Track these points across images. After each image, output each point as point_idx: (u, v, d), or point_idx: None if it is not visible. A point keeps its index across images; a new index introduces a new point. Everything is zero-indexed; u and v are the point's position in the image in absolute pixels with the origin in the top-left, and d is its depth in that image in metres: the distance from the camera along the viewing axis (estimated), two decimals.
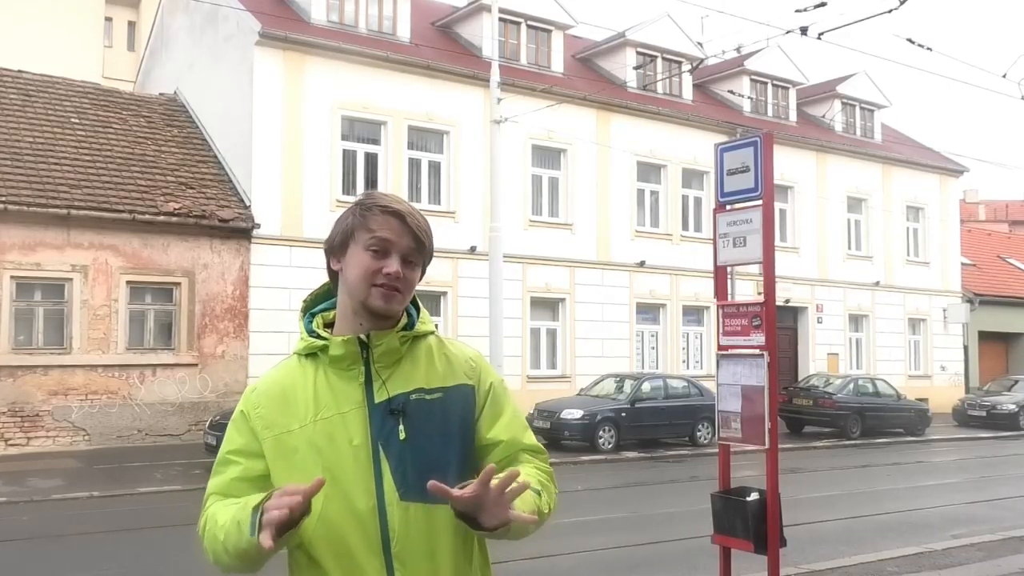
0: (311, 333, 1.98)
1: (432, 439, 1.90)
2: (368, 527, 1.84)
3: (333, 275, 2.00)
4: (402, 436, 1.88)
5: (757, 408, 5.20)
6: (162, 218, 16.46)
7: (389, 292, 1.90)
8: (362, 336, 1.92)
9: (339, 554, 1.84)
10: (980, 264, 33.04)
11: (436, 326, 2.09)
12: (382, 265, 1.90)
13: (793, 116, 27.20)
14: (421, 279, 2.01)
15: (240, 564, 1.85)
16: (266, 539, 1.66)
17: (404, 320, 1.99)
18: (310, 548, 1.85)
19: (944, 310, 29.34)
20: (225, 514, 1.85)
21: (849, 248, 27.37)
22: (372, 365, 1.92)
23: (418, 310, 2.04)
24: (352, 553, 1.84)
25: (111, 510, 10.72)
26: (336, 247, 1.97)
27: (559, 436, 16.95)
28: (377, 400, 1.91)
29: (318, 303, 2.06)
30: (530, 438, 2.06)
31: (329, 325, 2.00)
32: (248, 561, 1.83)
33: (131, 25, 36.09)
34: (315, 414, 1.90)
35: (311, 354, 1.96)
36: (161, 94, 21.58)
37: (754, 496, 5.23)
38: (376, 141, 19.45)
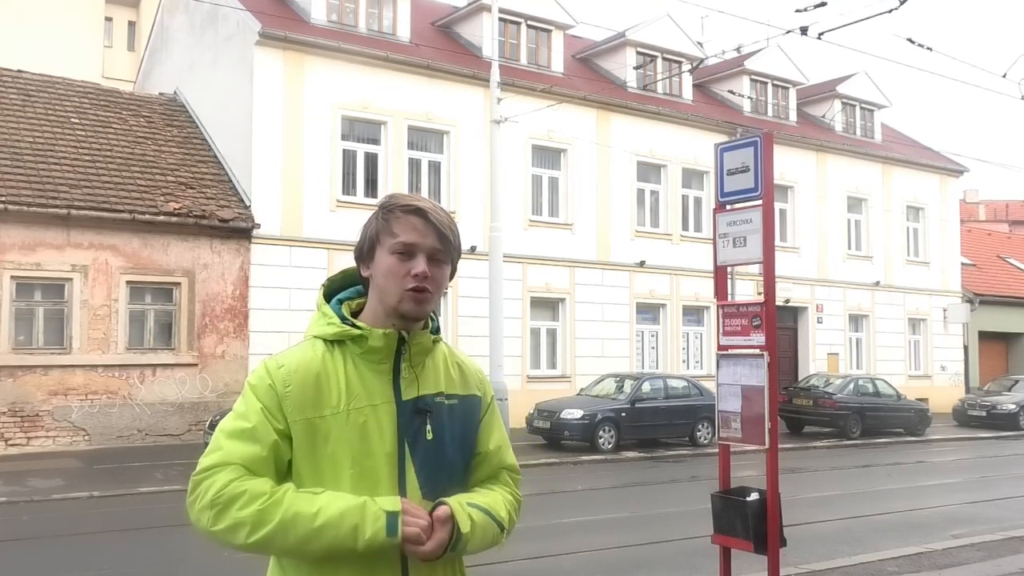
0: (344, 320, 1.95)
1: (452, 442, 1.96)
2: None
3: (365, 281, 2.00)
4: (429, 436, 1.92)
5: (757, 408, 5.20)
6: (162, 218, 16.46)
7: (420, 295, 1.91)
8: (403, 332, 1.93)
9: None
10: (980, 264, 33.05)
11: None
12: (409, 267, 1.90)
13: (793, 116, 27.20)
14: (452, 277, 2.01)
15: (300, 554, 1.84)
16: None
17: (431, 323, 2.01)
18: None
19: (944, 310, 29.34)
20: (313, 504, 1.79)
21: (849, 248, 27.37)
22: (408, 361, 1.94)
23: (436, 315, 2.06)
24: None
25: (111, 510, 10.72)
26: (364, 254, 1.97)
27: (559, 436, 16.96)
28: (405, 397, 1.92)
29: (338, 287, 2.05)
30: (512, 457, 2.13)
31: (354, 314, 1.99)
32: (325, 555, 1.82)
33: (131, 25, 36.09)
34: (347, 403, 1.88)
35: (338, 341, 1.94)
36: (161, 94, 21.58)
37: (754, 496, 5.23)
38: (376, 141, 19.45)
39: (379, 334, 1.91)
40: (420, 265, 1.90)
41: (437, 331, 2.02)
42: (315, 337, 1.96)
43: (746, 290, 22.32)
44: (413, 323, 1.95)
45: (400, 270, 1.90)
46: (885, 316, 27.94)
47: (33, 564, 8.01)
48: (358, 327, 1.93)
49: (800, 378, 24.43)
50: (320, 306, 2.01)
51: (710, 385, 16.61)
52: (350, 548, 1.78)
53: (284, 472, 1.89)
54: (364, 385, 1.91)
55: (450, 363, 2.03)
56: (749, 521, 5.17)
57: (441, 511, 1.84)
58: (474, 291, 19.04)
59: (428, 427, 1.92)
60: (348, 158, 19.08)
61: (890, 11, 11.65)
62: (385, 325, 1.93)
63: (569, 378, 21.16)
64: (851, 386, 21.53)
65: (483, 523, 1.91)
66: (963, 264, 30.99)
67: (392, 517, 1.79)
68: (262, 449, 1.85)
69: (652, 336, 23.19)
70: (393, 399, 1.91)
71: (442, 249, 1.94)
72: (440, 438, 1.93)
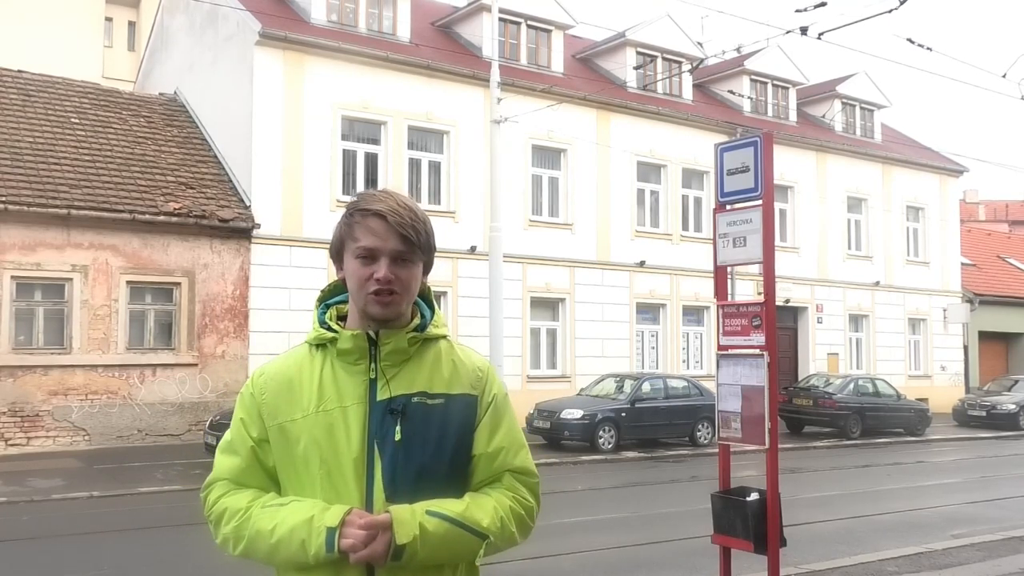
0: (323, 324, 1.98)
1: (426, 444, 1.90)
2: None
3: (344, 281, 2.02)
4: (397, 437, 1.88)
5: (757, 408, 5.20)
6: (162, 218, 16.45)
7: (384, 297, 1.90)
8: (371, 333, 1.93)
9: None
10: (980, 264, 33.05)
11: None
12: (372, 271, 1.89)
13: (793, 116, 27.20)
14: (427, 273, 2.00)
15: (284, 564, 1.90)
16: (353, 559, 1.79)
17: (416, 320, 1.98)
18: None
19: (944, 310, 29.34)
20: (272, 520, 1.86)
21: (849, 248, 27.37)
22: (378, 363, 1.92)
23: (433, 312, 2.03)
24: None
25: (111, 510, 10.72)
26: (335, 258, 2.01)
27: (559, 436, 16.96)
28: (379, 398, 1.91)
29: (335, 295, 2.06)
30: (522, 459, 2.02)
31: (342, 318, 2.01)
32: (290, 567, 1.88)
33: (131, 25, 36.10)
34: (318, 405, 1.91)
35: (321, 345, 1.97)
36: (161, 94, 21.57)
37: (754, 496, 5.23)
38: (376, 141, 19.45)
39: (347, 336, 1.93)
40: (382, 270, 1.89)
41: (423, 329, 1.98)
42: (305, 342, 2.02)
43: (746, 290, 22.32)
44: (385, 324, 1.94)
45: (364, 274, 1.90)
46: (885, 316, 27.94)
47: (33, 564, 8.01)
48: (333, 330, 1.96)
49: (800, 378, 24.43)
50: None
51: (710, 385, 16.60)
52: (305, 562, 1.83)
53: (275, 474, 1.97)
54: (337, 386, 1.92)
55: (444, 361, 1.98)
56: (749, 521, 5.17)
57: (380, 519, 1.80)
58: (474, 291, 19.05)
59: (397, 428, 1.88)
60: (348, 158, 19.08)
61: (890, 11, 11.66)
62: (363, 324, 1.95)
63: (569, 378, 21.16)
64: (851, 386, 21.53)
65: (443, 533, 1.84)
66: (963, 264, 30.98)
67: (330, 533, 1.79)
68: (242, 461, 1.96)
69: (652, 336, 23.19)
70: (366, 400, 1.91)
71: (405, 250, 1.91)
72: (411, 439, 1.89)
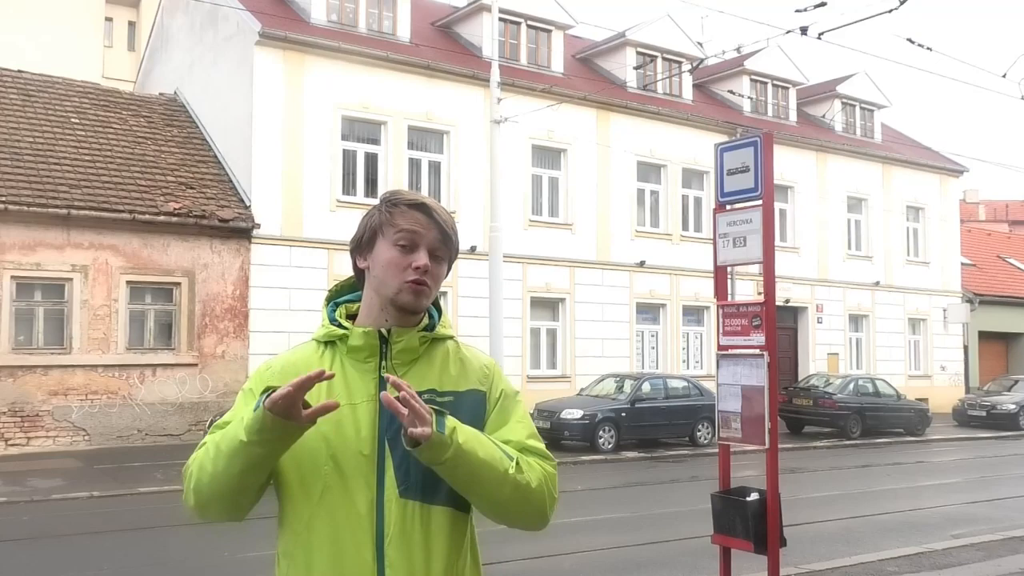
0: (333, 321, 2.00)
1: None
2: (365, 520, 1.85)
3: (359, 273, 2.02)
4: None
5: (757, 408, 5.20)
6: (162, 218, 16.45)
7: (418, 287, 1.92)
8: (383, 330, 1.94)
9: (333, 543, 1.85)
10: (980, 264, 33.04)
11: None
12: (410, 260, 1.92)
13: (793, 116, 27.20)
14: (447, 275, 2.03)
15: (229, 479, 1.84)
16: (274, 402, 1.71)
17: (425, 321, 2.00)
18: (306, 532, 1.87)
19: (944, 310, 29.34)
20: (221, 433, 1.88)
21: (849, 248, 27.37)
22: (388, 360, 1.93)
23: (440, 313, 2.05)
24: (345, 544, 1.84)
25: (111, 510, 10.72)
26: (363, 245, 2.00)
27: (559, 436, 16.96)
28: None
29: (343, 294, 2.08)
30: (535, 443, 2.00)
31: (351, 317, 2.02)
32: (240, 467, 1.81)
33: (131, 25, 36.11)
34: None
35: (330, 342, 1.98)
36: (161, 94, 21.57)
37: (754, 496, 5.23)
38: (376, 141, 19.45)
39: (359, 333, 1.94)
40: (423, 258, 1.92)
41: (431, 328, 2.00)
42: (313, 339, 2.02)
43: (746, 290, 22.32)
44: (408, 316, 1.95)
45: (402, 262, 1.92)
46: (885, 316, 27.94)
47: (33, 564, 8.01)
48: (343, 327, 1.97)
49: (800, 378, 24.42)
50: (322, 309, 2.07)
51: (710, 385, 16.60)
52: (240, 440, 1.78)
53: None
54: (347, 384, 1.92)
55: (452, 360, 2.00)
56: (749, 521, 5.17)
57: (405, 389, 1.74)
58: (474, 291, 19.04)
59: None
60: (348, 158, 19.08)
61: (890, 11, 11.65)
62: (379, 320, 1.95)
63: (569, 378, 21.16)
64: (851, 386, 21.53)
65: (475, 435, 1.82)
66: (963, 264, 30.98)
67: (262, 395, 1.77)
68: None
69: (652, 336, 23.19)
70: (376, 397, 1.91)
71: (443, 244, 1.96)
72: None
